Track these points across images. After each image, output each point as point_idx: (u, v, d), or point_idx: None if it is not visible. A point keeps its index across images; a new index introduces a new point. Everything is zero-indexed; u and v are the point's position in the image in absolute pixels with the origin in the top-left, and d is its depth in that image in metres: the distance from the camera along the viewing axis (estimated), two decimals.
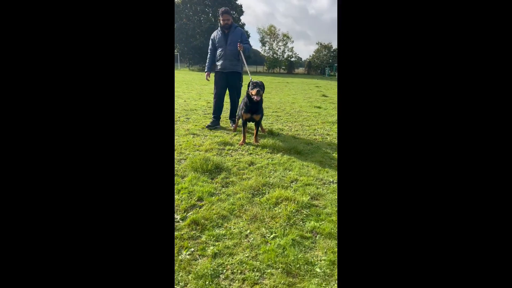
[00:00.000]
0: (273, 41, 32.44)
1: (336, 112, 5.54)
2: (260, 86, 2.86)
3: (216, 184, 2.00)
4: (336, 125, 4.20)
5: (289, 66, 32.47)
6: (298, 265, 1.23)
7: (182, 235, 1.41)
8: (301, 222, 1.57)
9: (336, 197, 1.87)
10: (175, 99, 6.23)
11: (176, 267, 1.19)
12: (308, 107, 6.01)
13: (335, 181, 2.14)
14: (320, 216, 1.63)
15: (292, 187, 2.01)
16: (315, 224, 1.55)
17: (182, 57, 29.87)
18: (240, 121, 3.25)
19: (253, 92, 2.83)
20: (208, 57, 3.83)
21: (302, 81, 16.30)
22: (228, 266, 1.21)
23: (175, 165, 2.29)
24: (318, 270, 1.21)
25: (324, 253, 1.31)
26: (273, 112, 5.24)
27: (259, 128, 3.17)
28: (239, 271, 1.18)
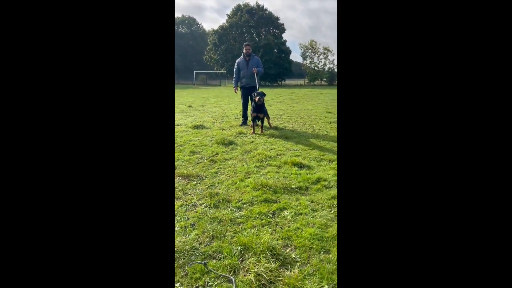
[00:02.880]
0: (314, 55, 33.85)
1: None
2: (260, 94, 4.49)
3: (227, 148, 3.62)
4: (331, 124, 5.54)
5: (330, 78, 33.39)
6: (252, 171, 2.76)
7: (204, 163, 3.03)
8: (263, 161, 3.08)
9: (291, 155, 3.33)
10: (217, 109, 8.12)
11: (199, 170, 2.80)
12: (321, 113, 7.34)
13: (297, 149, 3.59)
14: (275, 160, 3.12)
15: (269, 151, 3.52)
16: (270, 162, 3.05)
17: (229, 74, 33.00)
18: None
19: (256, 99, 4.46)
20: (234, 76, 5.59)
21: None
22: (222, 171, 2.80)
23: (208, 142, 3.97)
24: (260, 173, 2.72)
25: (267, 170, 2.81)
26: (288, 116, 6.73)
27: (268, 124, 4.72)
28: (226, 172, 2.76)
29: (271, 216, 1.89)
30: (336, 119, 6.09)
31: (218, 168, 2.87)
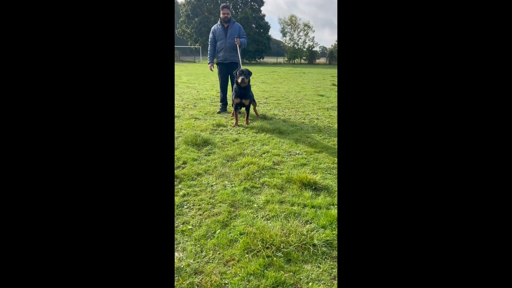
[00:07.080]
0: (294, 31, 32.22)
1: (336, 99, 5.81)
2: (244, 74, 3.31)
3: (200, 153, 2.50)
4: (329, 111, 4.54)
5: (310, 56, 32.15)
6: (241, 202, 1.69)
7: None
8: (257, 178, 2.02)
9: (294, 164, 2.30)
10: (190, 90, 6.81)
11: None
12: (312, 95, 6.32)
13: (300, 153, 2.55)
14: (274, 175, 2.08)
15: (262, 156, 2.46)
16: (267, 179, 2.00)
17: (204, 50, 30.68)
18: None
19: (239, 80, 3.29)
20: (209, 48, 4.30)
21: (319, 71, 16.30)
22: (191, 201, 1.71)
23: (174, 140, 2.82)
24: (255, 205, 1.67)
25: (264, 196, 1.76)
26: (275, 100, 5.63)
27: (255, 112, 3.61)
28: (197, 204, 1.68)
29: None
30: (332, 105, 5.11)
31: (184, 195, 1.78)
